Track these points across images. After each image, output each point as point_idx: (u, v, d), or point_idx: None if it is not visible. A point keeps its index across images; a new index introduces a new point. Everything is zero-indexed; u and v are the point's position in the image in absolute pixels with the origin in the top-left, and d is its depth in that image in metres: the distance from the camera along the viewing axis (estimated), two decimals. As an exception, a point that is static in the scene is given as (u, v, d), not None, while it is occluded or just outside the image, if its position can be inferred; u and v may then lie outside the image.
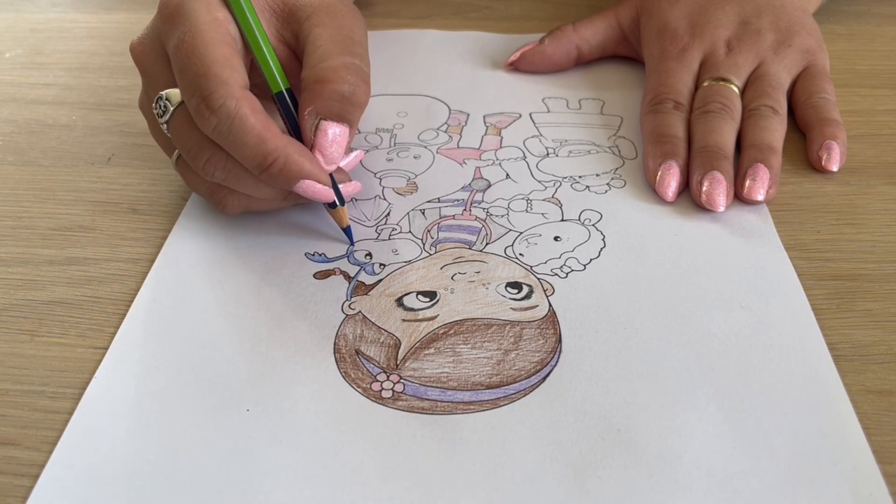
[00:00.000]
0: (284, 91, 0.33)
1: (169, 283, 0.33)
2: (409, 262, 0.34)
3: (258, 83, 0.33)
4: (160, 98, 0.32)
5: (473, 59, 0.49)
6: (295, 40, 0.35)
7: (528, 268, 0.34)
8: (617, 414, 0.27)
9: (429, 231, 0.36)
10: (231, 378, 0.29)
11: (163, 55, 0.33)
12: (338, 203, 0.34)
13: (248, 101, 0.30)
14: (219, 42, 0.31)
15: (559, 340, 0.30)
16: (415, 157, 0.41)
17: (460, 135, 0.43)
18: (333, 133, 0.32)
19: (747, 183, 0.36)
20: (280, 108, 0.34)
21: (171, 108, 0.32)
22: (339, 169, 0.35)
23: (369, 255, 0.35)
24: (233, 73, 0.31)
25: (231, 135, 0.30)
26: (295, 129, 0.33)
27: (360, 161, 0.39)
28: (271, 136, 0.31)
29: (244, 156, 0.31)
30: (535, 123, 0.43)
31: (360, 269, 0.34)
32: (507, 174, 0.39)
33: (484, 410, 0.28)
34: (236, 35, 0.33)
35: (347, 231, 0.35)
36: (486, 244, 0.35)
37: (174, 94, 0.32)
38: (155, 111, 0.33)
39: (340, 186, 0.34)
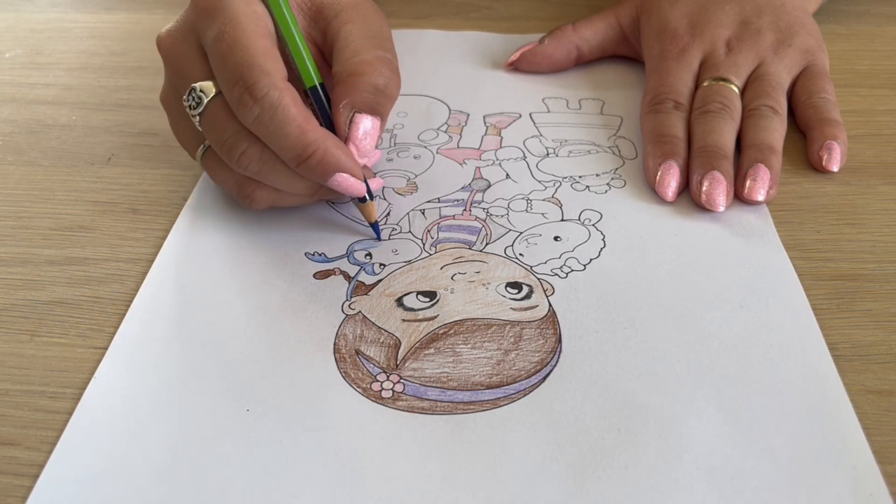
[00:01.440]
0: (318, 86, 0.33)
1: (169, 283, 0.33)
2: (409, 262, 0.34)
3: (289, 79, 0.33)
4: (193, 90, 0.32)
5: (473, 59, 0.49)
6: (322, 38, 0.36)
7: (528, 268, 0.34)
8: (617, 414, 0.27)
9: (429, 231, 0.36)
10: (231, 378, 0.29)
11: (196, 47, 0.33)
12: (367, 197, 0.34)
13: (290, 93, 0.31)
14: (259, 34, 0.31)
15: (559, 340, 0.30)
16: (415, 157, 0.41)
17: (460, 135, 0.43)
18: (367, 126, 0.33)
19: (748, 183, 0.36)
20: (314, 102, 0.34)
21: (206, 100, 0.32)
22: (364, 165, 0.35)
23: (369, 255, 0.35)
24: (275, 64, 0.31)
25: (273, 124, 0.30)
26: (327, 125, 0.34)
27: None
28: (311, 127, 0.31)
29: (284, 146, 0.31)
30: (535, 123, 0.43)
31: (360, 269, 0.34)
32: (507, 174, 0.39)
33: (484, 410, 0.28)
34: (272, 30, 0.33)
35: (375, 227, 0.35)
36: (486, 244, 0.35)
37: (208, 86, 0.32)
38: (186, 103, 0.33)
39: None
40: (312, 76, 0.33)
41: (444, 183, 0.39)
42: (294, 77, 0.33)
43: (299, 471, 0.26)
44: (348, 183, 0.32)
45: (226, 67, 0.31)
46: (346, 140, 0.33)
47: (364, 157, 0.33)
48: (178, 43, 0.33)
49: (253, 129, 0.31)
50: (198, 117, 0.32)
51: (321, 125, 0.33)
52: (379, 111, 0.33)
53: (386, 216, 0.37)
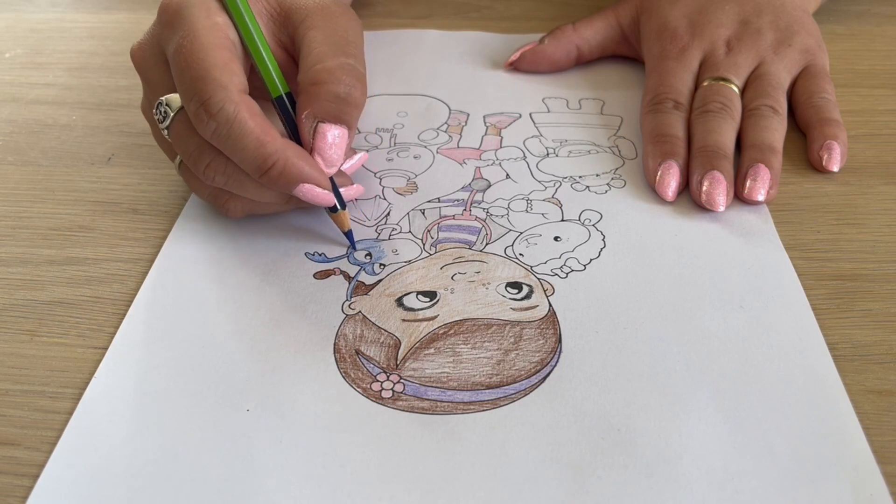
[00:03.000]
0: (284, 95, 0.33)
1: (169, 283, 0.33)
2: (409, 262, 0.34)
3: (258, 87, 0.33)
4: (160, 103, 0.32)
5: (473, 59, 0.49)
6: (291, 43, 0.35)
7: (528, 268, 0.34)
8: (617, 414, 0.27)
9: (429, 231, 0.36)
10: (231, 378, 0.29)
11: (163, 60, 0.33)
12: (339, 207, 0.34)
13: (246, 105, 0.30)
14: (217, 46, 0.31)
15: (559, 340, 0.30)
16: (415, 157, 0.41)
17: (460, 135, 0.43)
18: (332, 135, 0.32)
19: (748, 183, 0.36)
20: (280, 112, 0.33)
21: (172, 114, 0.32)
22: (340, 172, 0.34)
23: (369, 255, 0.35)
24: (231, 77, 0.31)
25: (230, 139, 0.30)
26: (295, 133, 0.33)
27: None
28: (270, 139, 0.30)
29: (243, 159, 0.31)
30: (535, 123, 0.43)
31: (360, 269, 0.34)
32: (507, 174, 0.39)
33: (484, 410, 0.28)
34: (235, 40, 0.32)
35: (349, 235, 0.35)
36: (486, 244, 0.35)
37: (174, 98, 0.32)
38: (155, 116, 0.33)
39: (342, 190, 0.34)
40: (278, 86, 0.33)
41: (444, 183, 0.39)
42: (264, 87, 0.33)
43: (299, 471, 0.26)
44: (314, 193, 0.32)
45: (183, 81, 0.30)
46: (311, 150, 0.32)
47: (332, 166, 0.33)
48: (146, 56, 0.33)
49: (212, 143, 0.31)
50: (165, 130, 0.32)
51: (290, 135, 0.33)
52: (344, 119, 0.32)
53: (386, 216, 0.37)
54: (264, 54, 0.33)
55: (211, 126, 0.30)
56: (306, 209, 0.36)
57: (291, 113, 0.33)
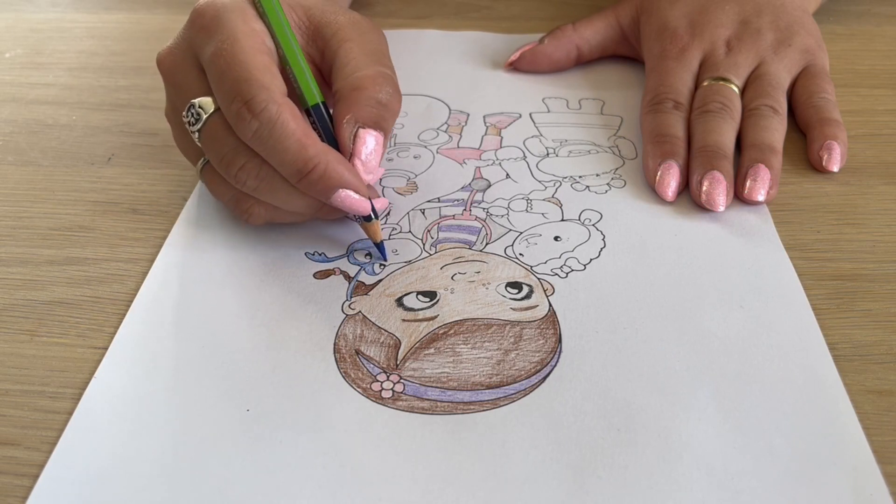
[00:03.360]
0: (321, 103, 0.33)
1: (169, 283, 0.33)
2: (409, 262, 0.34)
3: (289, 97, 0.33)
4: (192, 105, 0.32)
5: (473, 59, 0.49)
6: (320, 57, 0.35)
7: (528, 268, 0.34)
8: (617, 414, 0.27)
9: (429, 231, 0.36)
10: (231, 378, 0.29)
11: (195, 64, 0.33)
12: (373, 216, 0.33)
13: (288, 107, 0.30)
14: (258, 50, 0.31)
15: (559, 340, 0.30)
16: (415, 157, 0.41)
17: (460, 135, 0.43)
18: (371, 141, 0.32)
19: (748, 183, 0.36)
20: (316, 120, 0.33)
21: (205, 116, 0.32)
22: (367, 184, 0.34)
23: (369, 254, 0.35)
24: (273, 79, 0.31)
25: (272, 139, 0.30)
26: (330, 143, 0.33)
27: None
28: (312, 142, 0.30)
29: (283, 161, 0.30)
30: (535, 123, 0.43)
31: (360, 269, 0.34)
32: (507, 174, 0.39)
33: (484, 410, 0.28)
34: (272, 47, 0.33)
35: (380, 247, 0.34)
36: (486, 244, 0.35)
37: (207, 101, 0.32)
38: (185, 119, 0.32)
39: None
40: (314, 93, 0.33)
41: (444, 183, 0.39)
42: (295, 96, 0.33)
43: (299, 471, 0.26)
44: (351, 200, 0.31)
45: (223, 83, 0.30)
46: (350, 156, 0.32)
47: (369, 173, 0.33)
48: (177, 60, 0.33)
49: (252, 145, 0.31)
50: (196, 133, 0.32)
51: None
52: (382, 126, 0.33)
53: (386, 216, 0.37)
54: (301, 62, 0.33)
55: (253, 126, 0.30)
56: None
57: (328, 121, 0.33)
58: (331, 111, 0.34)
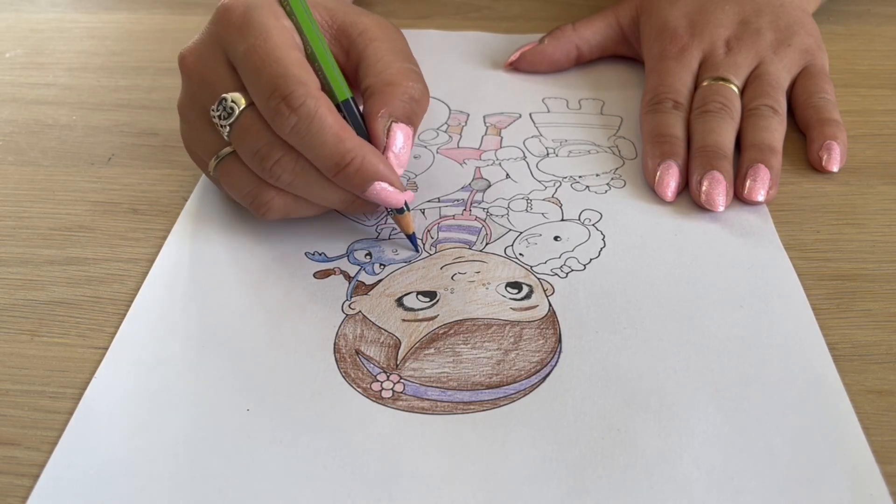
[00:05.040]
0: (350, 99, 0.33)
1: (169, 283, 0.33)
2: (409, 262, 0.34)
3: None
4: (223, 100, 0.32)
5: (473, 59, 0.49)
6: (345, 56, 0.36)
7: (528, 268, 0.34)
8: (617, 414, 0.27)
9: (429, 231, 0.36)
10: (231, 378, 0.29)
11: (223, 61, 0.33)
12: (405, 209, 0.33)
13: (325, 102, 0.31)
14: (291, 47, 0.31)
15: (559, 340, 0.30)
16: (415, 157, 0.41)
17: (460, 135, 0.43)
18: (404, 135, 0.33)
19: (748, 183, 0.36)
20: (347, 115, 0.33)
21: (238, 110, 0.32)
22: None
23: (369, 254, 0.35)
24: (309, 75, 0.31)
25: (310, 134, 0.30)
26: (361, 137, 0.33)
27: None
28: (349, 136, 0.31)
29: (320, 155, 0.31)
30: (535, 123, 0.43)
31: (360, 269, 0.34)
32: (507, 174, 0.39)
33: (484, 410, 0.28)
34: (301, 44, 0.33)
35: (412, 238, 0.35)
36: (486, 244, 0.35)
37: (238, 97, 0.32)
38: (215, 114, 0.32)
39: None
40: (344, 89, 0.33)
41: (444, 183, 0.39)
42: (324, 91, 0.33)
43: (299, 471, 0.26)
44: (387, 193, 0.32)
45: (260, 79, 0.31)
46: (383, 150, 0.33)
47: (401, 167, 0.33)
48: (204, 57, 0.33)
49: (289, 140, 0.31)
50: (228, 128, 0.32)
51: None
52: (413, 120, 0.33)
53: (386, 216, 0.37)
54: (329, 58, 0.33)
55: (291, 120, 0.30)
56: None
57: (358, 116, 0.33)
58: (360, 107, 0.34)
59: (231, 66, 0.32)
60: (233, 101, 0.32)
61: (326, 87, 0.33)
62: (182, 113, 0.35)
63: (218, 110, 0.32)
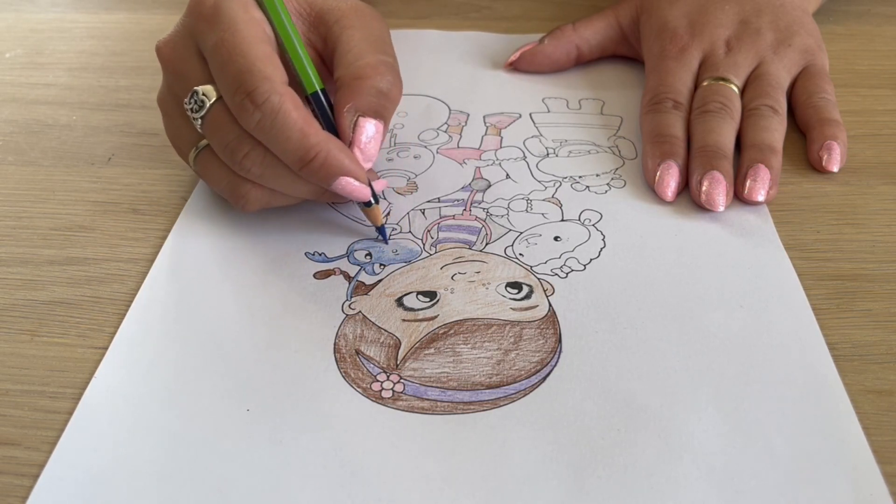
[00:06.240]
0: (319, 91, 0.33)
1: (169, 283, 0.33)
2: (409, 262, 0.34)
3: (290, 85, 0.33)
4: (195, 93, 0.32)
5: (473, 59, 0.49)
6: (322, 44, 0.36)
7: (528, 268, 0.34)
8: (617, 414, 0.27)
9: (429, 231, 0.36)
10: (231, 378, 0.29)
11: (195, 53, 0.33)
12: (373, 201, 0.34)
13: (290, 97, 0.31)
14: (259, 40, 0.31)
15: (559, 340, 0.30)
16: (415, 157, 0.41)
17: (460, 135, 0.43)
18: (371, 129, 0.33)
19: (748, 183, 0.36)
20: (315, 107, 0.33)
21: (208, 103, 0.32)
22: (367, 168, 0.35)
23: (369, 254, 0.35)
24: (275, 69, 0.31)
25: (274, 129, 0.30)
26: (329, 130, 0.33)
27: None
28: (313, 131, 0.31)
29: (286, 150, 0.31)
30: (535, 123, 0.43)
31: (360, 269, 0.34)
32: (507, 174, 0.39)
33: (484, 410, 0.28)
34: (272, 35, 0.33)
35: (381, 230, 0.35)
36: (486, 244, 0.35)
37: (209, 89, 0.32)
38: (188, 106, 0.33)
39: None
40: (314, 81, 0.33)
41: (444, 183, 0.39)
42: (295, 83, 0.33)
43: (299, 471, 0.26)
44: (352, 187, 0.32)
45: (226, 73, 0.31)
46: (350, 144, 0.33)
47: (368, 161, 0.33)
48: (177, 49, 0.33)
49: (255, 134, 0.31)
50: (199, 120, 0.32)
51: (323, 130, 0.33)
52: (382, 115, 0.33)
53: (386, 216, 0.37)
54: (300, 50, 0.33)
55: (256, 116, 0.30)
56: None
57: (327, 109, 0.33)
58: (331, 98, 0.34)
59: (203, 58, 0.33)
60: (203, 94, 0.32)
61: (296, 79, 0.33)
62: (161, 105, 0.36)
63: (190, 103, 0.32)
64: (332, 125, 0.33)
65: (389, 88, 0.34)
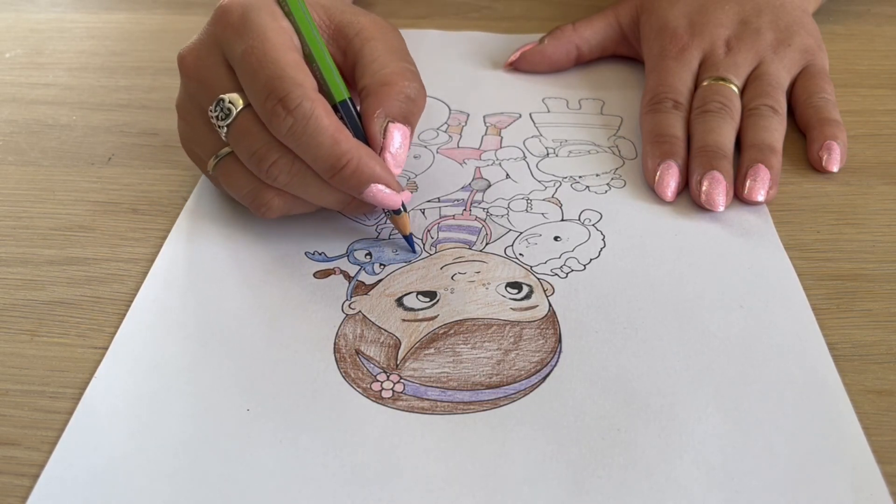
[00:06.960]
0: (348, 99, 0.33)
1: (169, 283, 0.33)
2: (409, 262, 0.34)
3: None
4: (221, 101, 0.32)
5: (473, 59, 0.49)
6: (342, 57, 0.36)
7: (528, 268, 0.34)
8: (617, 414, 0.27)
9: (429, 231, 0.36)
10: (231, 378, 0.29)
11: (221, 62, 0.33)
12: (402, 210, 0.33)
13: (322, 103, 0.31)
14: (288, 48, 0.31)
15: (559, 340, 0.30)
16: (415, 157, 0.41)
17: (460, 135, 0.43)
18: (400, 135, 0.33)
19: (748, 183, 0.36)
20: (344, 116, 0.33)
21: (235, 111, 0.32)
22: None
23: (369, 254, 0.35)
24: (306, 76, 0.31)
25: (306, 135, 0.30)
26: (357, 138, 0.33)
27: None
28: (344, 138, 0.31)
29: (317, 157, 0.31)
30: (535, 123, 0.43)
31: (360, 269, 0.34)
32: (507, 174, 0.39)
33: (484, 410, 0.28)
34: (299, 45, 0.33)
35: (409, 239, 0.35)
36: (486, 244, 0.35)
37: (236, 97, 0.32)
38: (213, 114, 0.32)
39: None
40: (342, 90, 0.33)
41: (444, 183, 0.39)
42: (322, 92, 0.33)
43: (299, 471, 0.26)
44: (384, 195, 0.32)
45: (257, 80, 0.31)
46: (380, 150, 0.33)
47: (398, 168, 0.33)
48: (202, 57, 0.33)
49: (285, 141, 0.31)
50: (225, 128, 0.32)
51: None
52: (410, 120, 0.33)
53: (385, 216, 0.37)
54: (328, 59, 0.33)
55: (287, 122, 0.30)
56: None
57: (355, 117, 0.33)
58: (357, 107, 0.34)
59: (229, 66, 0.32)
60: (230, 102, 0.32)
61: (324, 89, 0.33)
62: (181, 112, 0.35)
63: (216, 111, 0.32)
64: (360, 134, 0.33)
65: (416, 95, 0.34)
